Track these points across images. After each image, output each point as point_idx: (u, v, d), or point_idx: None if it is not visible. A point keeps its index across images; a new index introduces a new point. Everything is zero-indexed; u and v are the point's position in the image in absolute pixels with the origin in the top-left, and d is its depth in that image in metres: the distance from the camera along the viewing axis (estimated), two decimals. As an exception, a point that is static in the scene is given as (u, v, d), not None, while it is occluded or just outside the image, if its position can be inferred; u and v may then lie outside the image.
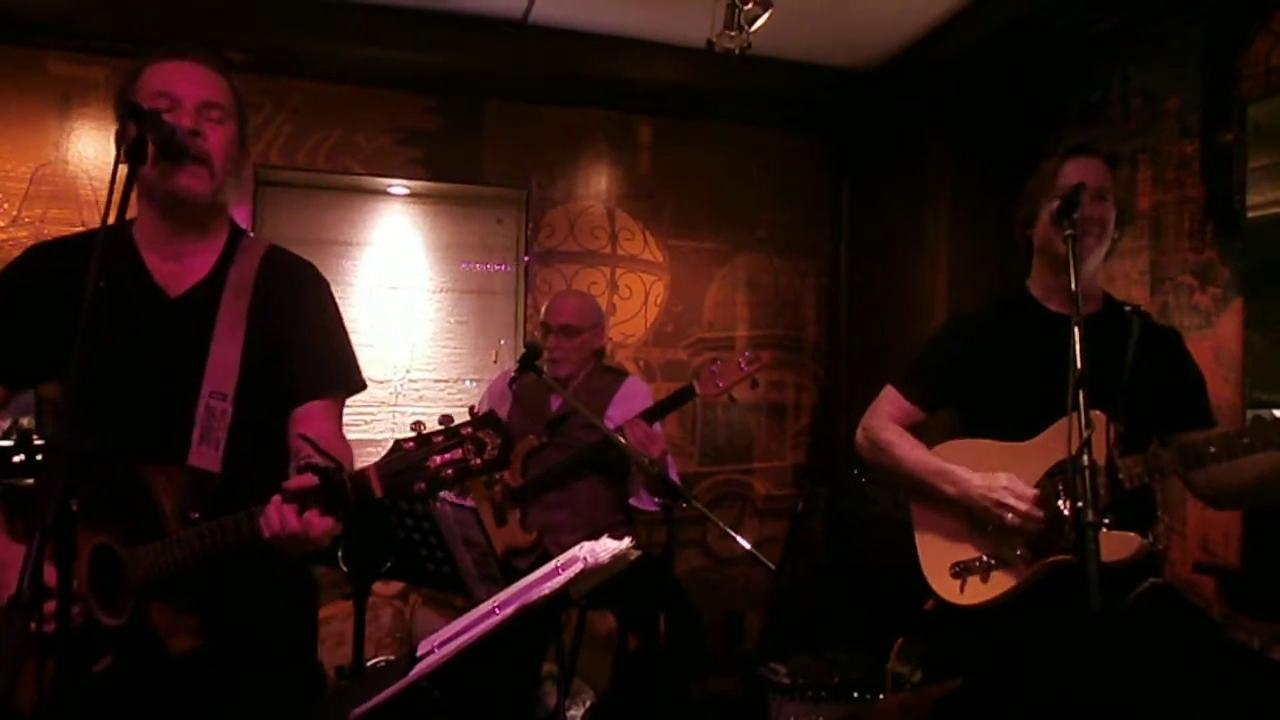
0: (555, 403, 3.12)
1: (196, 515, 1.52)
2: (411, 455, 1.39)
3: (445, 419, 1.42)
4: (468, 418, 1.42)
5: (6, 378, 1.69)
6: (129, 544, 1.54)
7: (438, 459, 1.38)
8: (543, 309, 3.26)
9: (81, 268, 1.58)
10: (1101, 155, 2.09)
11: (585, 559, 1.43)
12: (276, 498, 1.43)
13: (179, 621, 1.53)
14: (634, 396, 3.16)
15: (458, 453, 1.38)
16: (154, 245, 1.68)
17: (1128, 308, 2.14)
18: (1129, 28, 3.42)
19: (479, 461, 1.39)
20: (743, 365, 3.03)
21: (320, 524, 1.42)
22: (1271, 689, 2.06)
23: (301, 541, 1.43)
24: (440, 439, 1.39)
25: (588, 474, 3.06)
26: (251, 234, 1.80)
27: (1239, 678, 1.99)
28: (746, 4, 3.12)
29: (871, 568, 4.01)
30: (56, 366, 1.62)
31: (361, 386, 1.81)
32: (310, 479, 1.41)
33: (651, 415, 2.97)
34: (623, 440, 2.76)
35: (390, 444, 1.44)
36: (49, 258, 1.70)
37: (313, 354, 1.73)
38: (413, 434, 1.41)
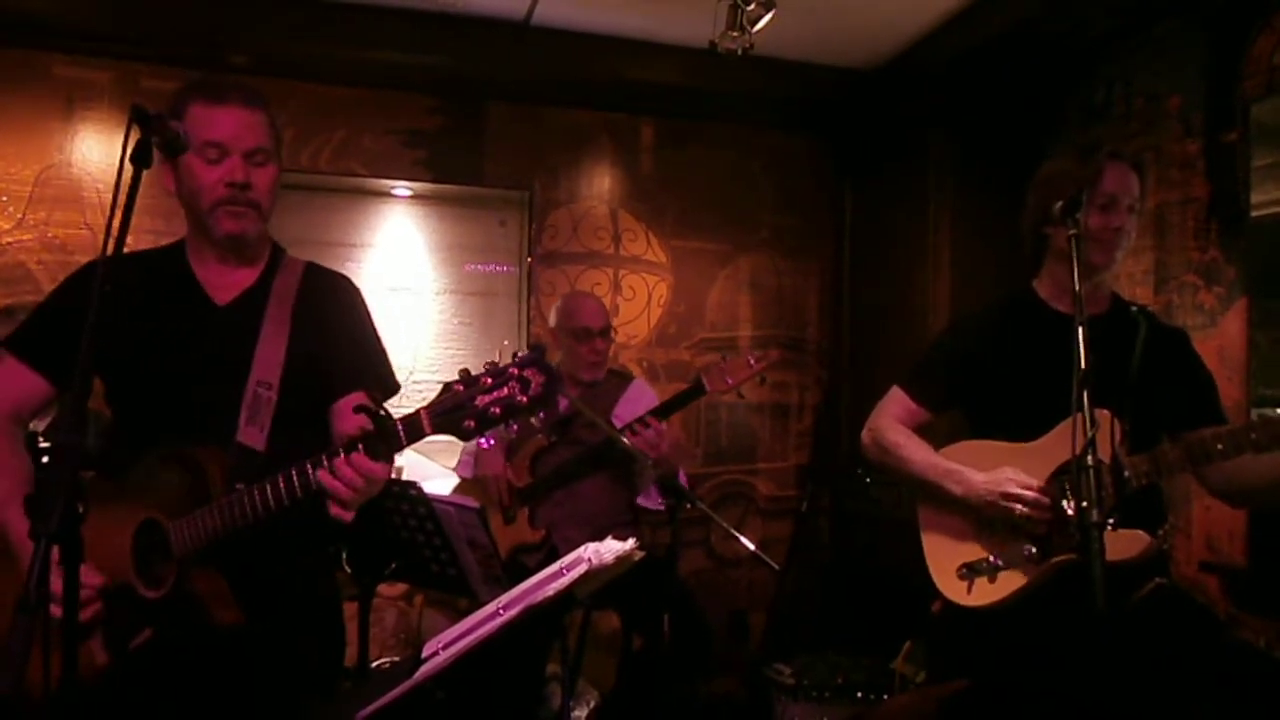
0: (562, 404, 3.14)
1: (241, 487, 1.58)
2: (460, 395, 1.47)
3: (490, 364, 1.49)
4: (511, 359, 1.49)
5: (55, 377, 1.78)
6: (176, 516, 1.60)
7: (485, 398, 1.45)
8: (564, 314, 3.28)
9: (138, 282, 1.74)
10: (1134, 164, 2.09)
11: (590, 560, 1.44)
12: (328, 449, 1.53)
13: (219, 593, 1.59)
14: (640, 398, 3.19)
15: (504, 391, 1.45)
16: (203, 264, 1.80)
17: (1134, 308, 2.14)
18: (1130, 28, 3.42)
19: (525, 399, 1.45)
20: (751, 363, 3.05)
21: (374, 467, 1.51)
22: (1278, 688, 2.05)
23: (361, 487, 1.53)
24: (488, 379, 1.46)
25: (594, 472, 3.08)
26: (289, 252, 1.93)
27: (1245, 677, 1.99)
28: (749, 5, 3.12)
29: (876, 568, 4.01)
30: (101, 372, 1.74)
31: (396, 389, 1.90)
32: (364, 421, 1.51)
33: (660, 413, 2.99)
34: (626, 442, 2.77)
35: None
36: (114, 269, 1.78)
37: (351, 358, 1.83)
38: (460, 377, 1.49)
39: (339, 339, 1.84)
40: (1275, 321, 2.90)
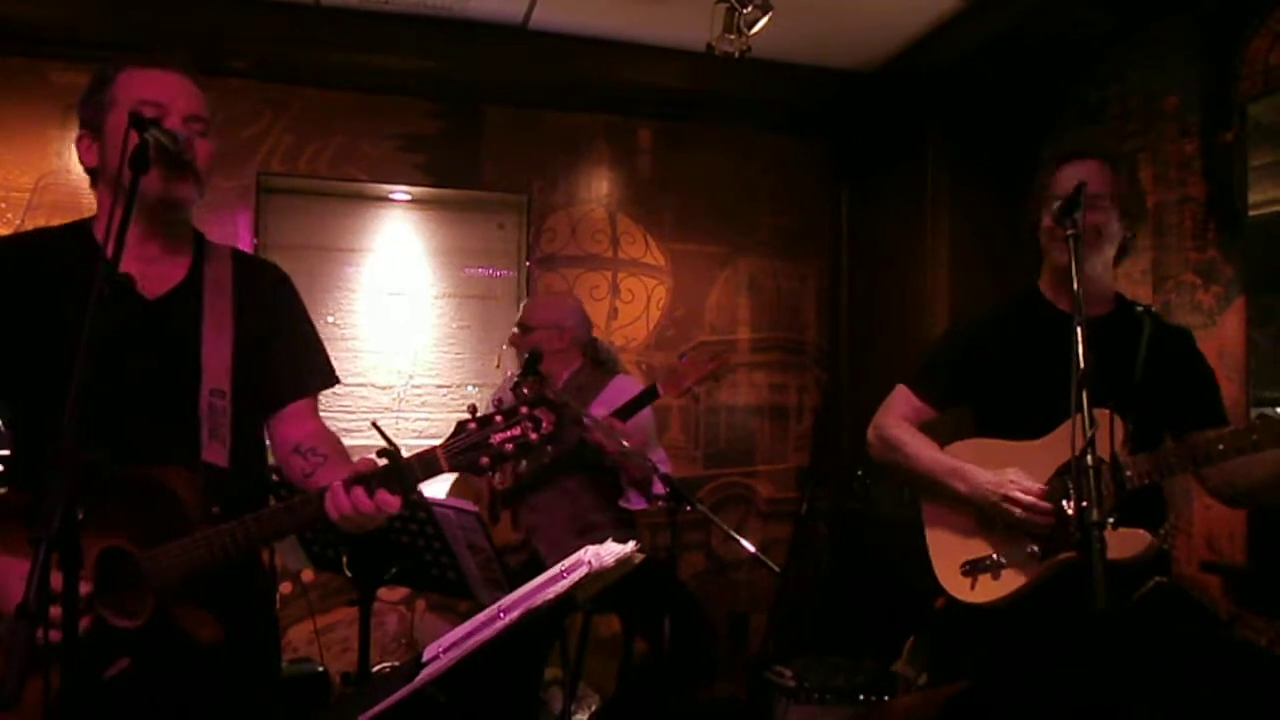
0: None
1: (217, 510, 1.55)
2: (475, 434, 1.53)
3: (497, 401, 1.58)
4: (518, 398, 1.58)
5: None
6: (146, 544, 1.54)
7: (499, 436, 1.53)
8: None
9: (34, 266, 1.61)
10: (1099, 158, 2.09)
11: (590, 563, 1.44)
12: (337, 483, 1.52)
13: (198, 614, 1.55)
14: (616, 399, 3.15)
15: (517, 430, 1.53)
16: (123, 250, 1.61)
17: (1139, 308, 2.15)
18: (1127, 29, 3.43)
19: (537, 436, 1.53)
20: (707, 363, 3.10)
21: (392, 502, 1.53)
22: (1278, 687, 2.05)
23: (373, 519, 1.54)
24: (500, 419, 1.53)
25: (573, 471, 3.06)
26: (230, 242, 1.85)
27: (1246, 676, 1.99)
28: (746, 7, 3.13)
29: (876, 569, 4.00)
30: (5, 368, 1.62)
31: (336, 380, 1.86)
32: (375, 463, 1.53)
33: (620, 414, 2.98)
34: (599, 438, 2.79)
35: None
36: (3, 254, 1.69)
37: (293, 355, 1.78)
38: (471, 416, 1.56)
39: (280, 334, 1.77)
40: (1273, 320, 2.90)
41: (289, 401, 1.75)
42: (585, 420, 2.87)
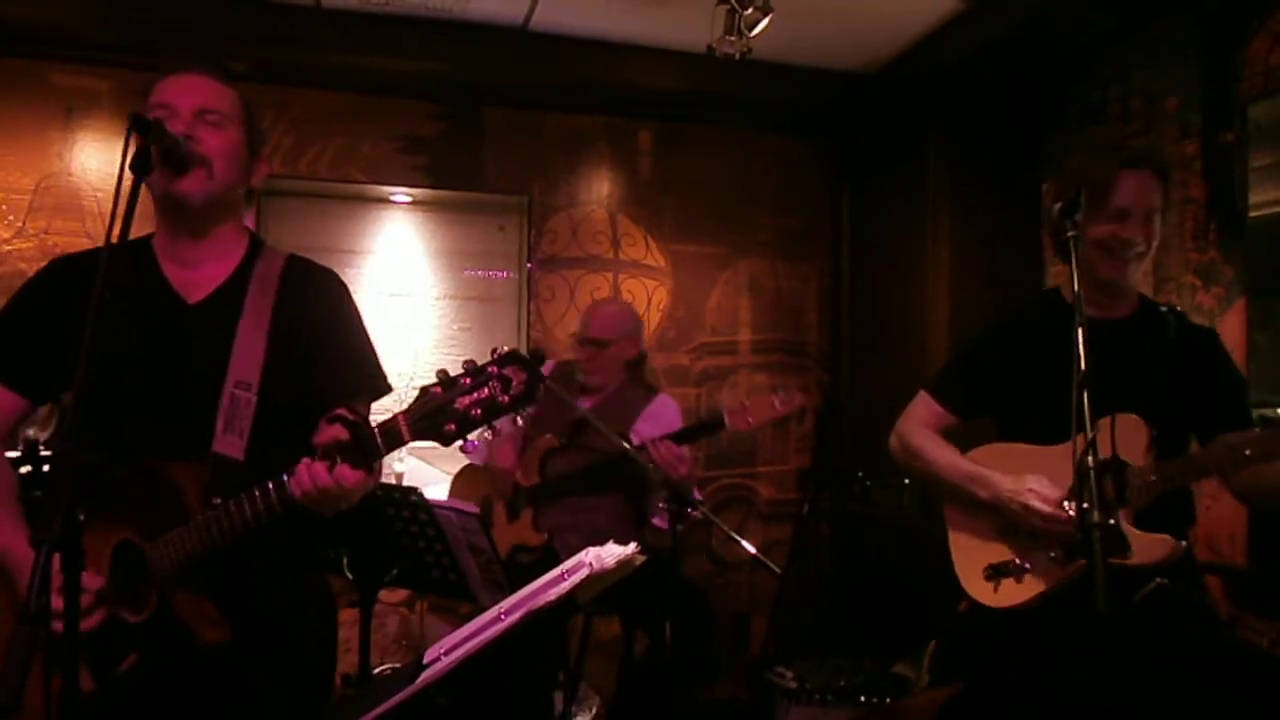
0: (585, 403, 3.08)
1: (219, 501, 1.52)
2: (438, 398, 1.41)
3: (469, 363, 1.42)
4: (491, 358, 1.42)
5: (30, 391, 1.70)
6: (151, 536, 1.54)
7: (465, 399, 1.39)
8: (581, 320, 3.28)
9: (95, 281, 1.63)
10: (1153, 169, 2.02)
11: (591, 564, 1.43)
12: (305, 459, 1.46)
13: (205, 612, 1.53)
14: (662, 414, 3.12)
15: (484, 391, 1.39)
16: (170, 254, 1.71)
17: (1163, 308, 2.12)
18: (1128, 29, 3.43)
19: (507, 398, 1.39)
20: (776, 405, 2.95)
21: (351, 477, 1.45)
22: (1278, 689, 2.05)
23: (335, 497, 1.47)
24: (466, 380, 1.40)
25: (606, 487, 3.01)
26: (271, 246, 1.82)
27: (1246, 677, 1.98)
28: (746, 9, 3.13)
29: (877, 571, 4.00)
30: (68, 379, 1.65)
31: (387, 390, 1.80)
32: (339, 431, 1.45)
33: (679, 439, 2.88)
34: (643, 456, 2.72)
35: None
36: (71, 270, 1.71)
37: (340, 362, 1.74)
38: (438, 379, 1.43)
39: (325, 339, 1.73)
40: (1274, 321, 2.90)
41: (327, 406, 1.69)
42: (656, 442, 2.80)
